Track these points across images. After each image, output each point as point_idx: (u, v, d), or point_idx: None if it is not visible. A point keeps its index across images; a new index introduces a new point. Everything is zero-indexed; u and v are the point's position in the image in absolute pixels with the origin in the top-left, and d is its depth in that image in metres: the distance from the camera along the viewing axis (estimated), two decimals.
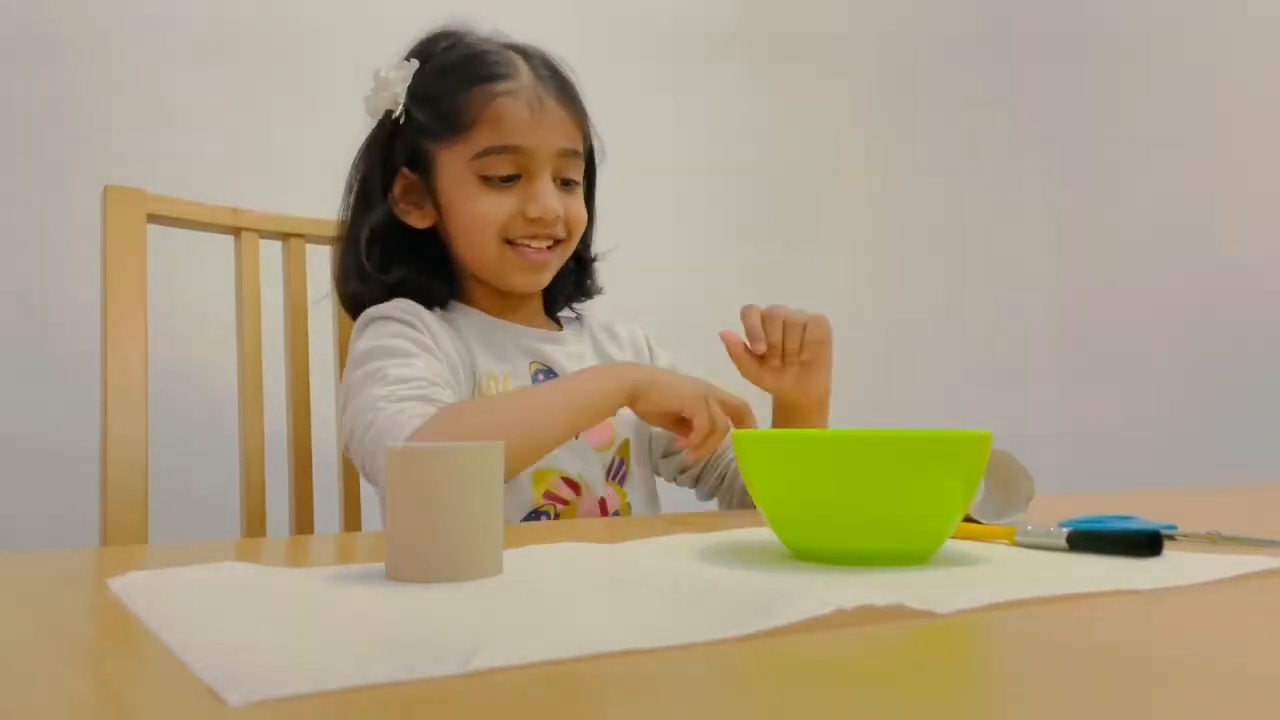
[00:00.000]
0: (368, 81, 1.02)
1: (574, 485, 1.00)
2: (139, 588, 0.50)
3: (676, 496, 1.15)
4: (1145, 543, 0.59)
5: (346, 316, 1.13)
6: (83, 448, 1.12)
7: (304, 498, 1.09)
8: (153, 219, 1.05)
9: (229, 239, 1.11)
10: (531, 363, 1.04)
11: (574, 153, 1.01)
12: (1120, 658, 0.38)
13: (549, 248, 1.01)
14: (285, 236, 1.13)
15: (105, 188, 1.03)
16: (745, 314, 0.98)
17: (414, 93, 0.99)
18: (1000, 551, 0.63)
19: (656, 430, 1.09)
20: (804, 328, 0.97)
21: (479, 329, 1.03)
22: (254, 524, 1.05)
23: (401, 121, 1.00)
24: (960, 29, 2.22)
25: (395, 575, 0.52)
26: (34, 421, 1.34)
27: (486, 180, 0.98)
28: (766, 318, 0.97)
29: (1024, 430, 2.14)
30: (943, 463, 0.56)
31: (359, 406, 0.90)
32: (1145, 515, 0.74)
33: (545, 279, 1.04)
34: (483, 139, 0.97)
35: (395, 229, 1.02)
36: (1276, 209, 1.91)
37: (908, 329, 2.12)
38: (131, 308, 1.01)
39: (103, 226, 1.02)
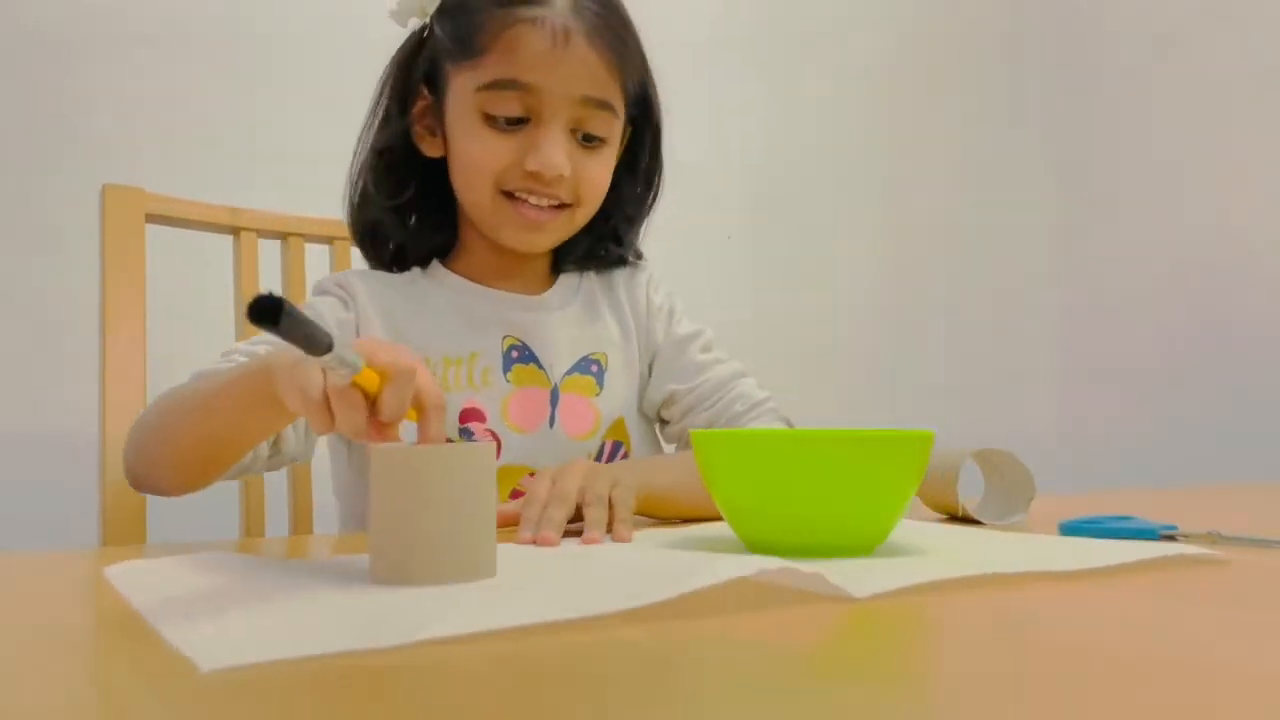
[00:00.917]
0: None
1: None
2: (132, 573, 0.53)
3: None
4: None
5: None
6: (82, 447, 1.12)
7: (303, 498, 1.09)
8: (151, 218, 1.05)
9: (228, 238, 1.11)
10: (505, 336, 0.94)
11: (601, 104, 0.87)
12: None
13: (554, 207, 0.89)
14: (284, 236, 1.13)
15: (104, 187, 1.03)
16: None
17: (443, 2, 0.89)
18: (948, 541, 0.65)
19: (650, 398, 0.99)
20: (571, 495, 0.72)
21: (454, 300, 0.95)
22: (253, 524, 1.05)
23: (426, 34, 0.90)
24: (961, 29, 2.22)
25: (378, 578, 0.50)
26: (33, 421, 1.34)
27: (490, 119, 0.86)
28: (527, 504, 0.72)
29: (1024, 431, 2.14)
30: (881, 461, 0.58)
31: None
32: (1145, 515, 0.74)
33: (544, 241, 0.92)
34: (491, 69, 0.85)
35: (410, 154, 0.92)
36: (1277, 209, 1.91)
37: (908, 329, 2.12)
38: (130, 307, 1.01)
39: (101, 226, 1.02)
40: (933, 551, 0.60)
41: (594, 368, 0.96)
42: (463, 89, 0.87)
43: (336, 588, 0.49)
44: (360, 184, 0.94)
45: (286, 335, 0.44)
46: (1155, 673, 0.35)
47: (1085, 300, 2.24)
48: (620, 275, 1.03)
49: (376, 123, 0.94)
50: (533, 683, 0.34)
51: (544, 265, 1.00)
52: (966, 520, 0.78)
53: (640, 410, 0.99)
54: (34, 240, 1.36)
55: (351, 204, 0.96)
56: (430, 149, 0.92)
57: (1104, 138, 2.20)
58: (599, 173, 0.91)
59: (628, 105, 0.92)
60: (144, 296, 1.02)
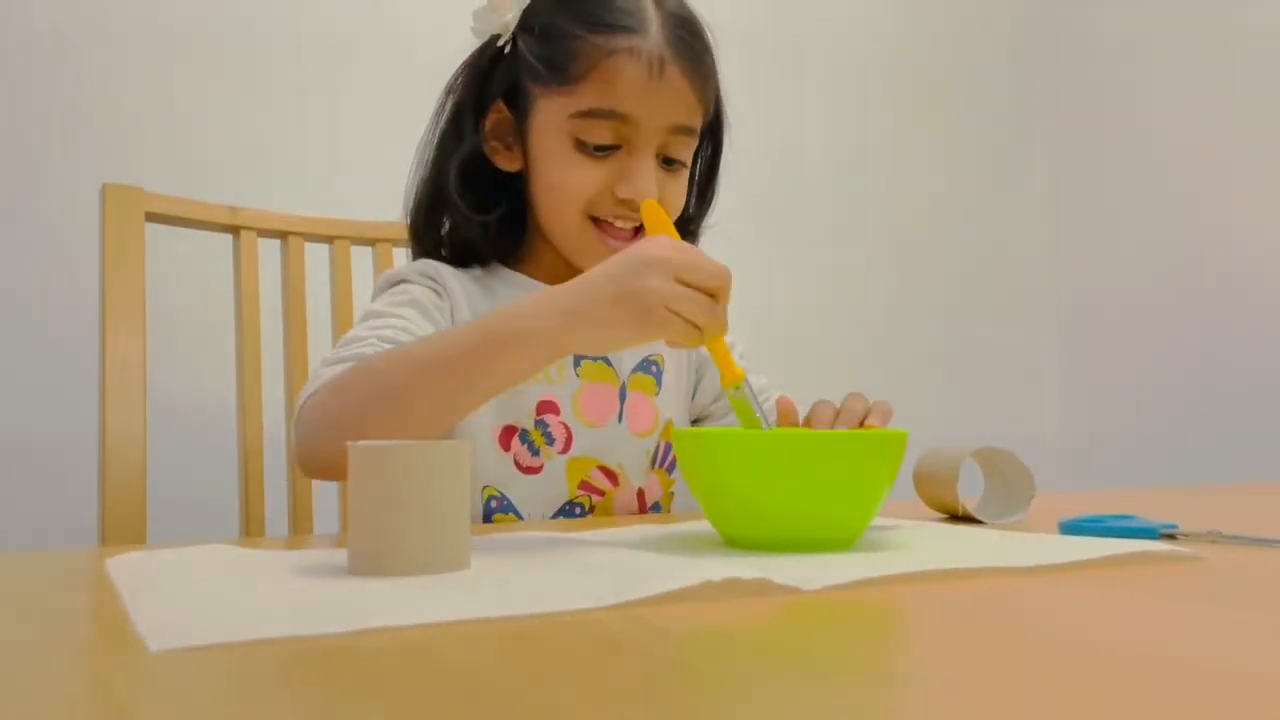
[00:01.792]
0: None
1: (612, 475, 0.93)
2: (128, 565, 0.56)
3: None
4: None
5: (346, 315, 1.13)
6: (81, 447, 1.12)
7: (302, 498, 1.09)
8: (151, 217, 1.05)
9: (227, 238, 1.11)
10: None
11: (688, 130, 0.89)
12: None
13: (635, 230, 0.89)
14: (284, 235, 1.13)
15: (104, 186, 1.03)
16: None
17: (526, 20, 0.88)
18: (927, 539, 0.66)
19: (700, 400, 1.03)
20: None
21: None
22: (253, 523, 1.05)
23: (506, 50, 0.89)
24: (962, 29, 2.22)
25: (355, 570, 0.53)
26: (32, 421, 1.34)
27: (581, 145, 0.86)
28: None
29: (1025, 430, 2.14)
30: (855, 459, 0.60)
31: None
32: (1145, 514, 0.74)
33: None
34: (588, 98, 0.85)
35: (481, 166, 0.92)
36: (1277, 209, 1.91)
37: (908, 329, 2.12)
38: (130, 306, 1.01)
39: (101, 225, 1.02)
40: (907, 548, 0.61)
41: (653, 369, 0.99)
42: (553, 113, 0.87)
43: (311, 578, 0.51)
44: (433, 191, 0.93)
45: None
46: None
47: (1086, 300, 2.24)
48: None
49: (443, 129, 0.93)
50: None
51: None
52: (967, 519, 0.78)
53: (682, 418, 1.02)
54: (34, 240, 1.36)
55: (420, 206, 0.95)
56: (506, 163, 0.93)
57: (1104, 137, 2.20)
58: (678, 195, 0.92)
59: (704, 126, 0.94)
60: (144, 296, 1.02)
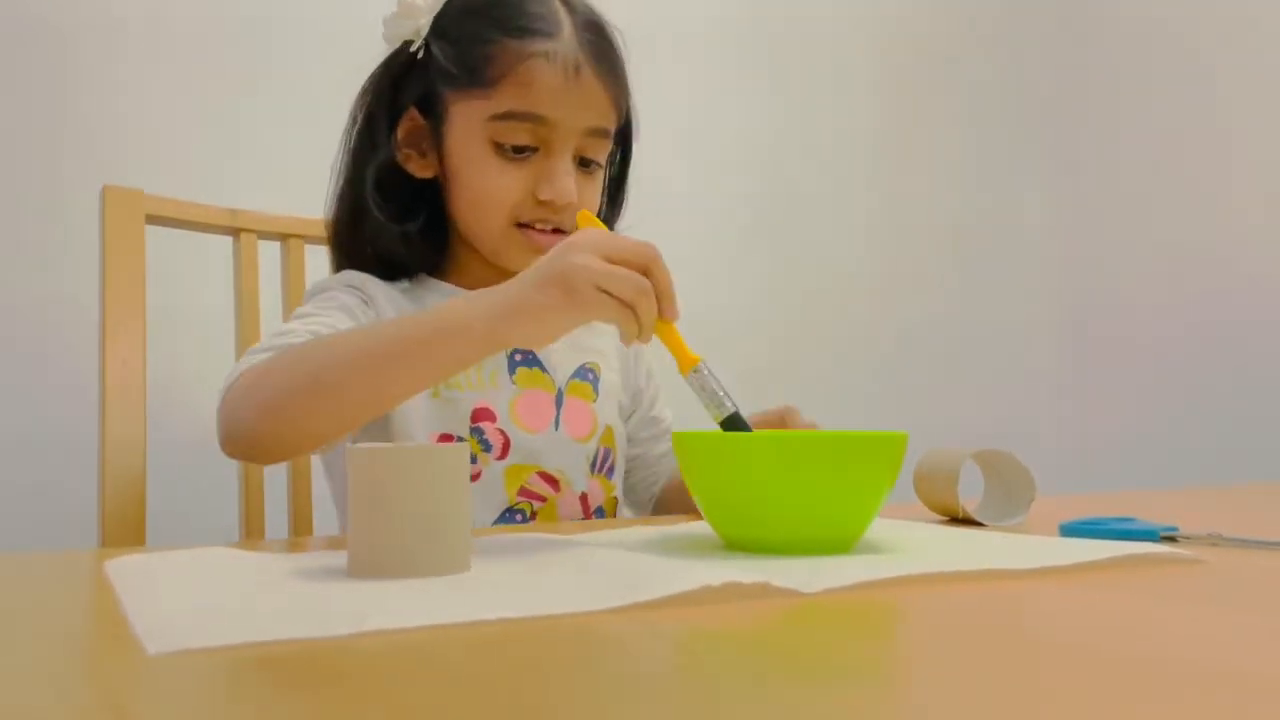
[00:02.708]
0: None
1: (553, 481, 0.93)
2: (127, 567, 0.56)
3: None
4: None
5: None
6: (81, 448, 1.12)
7: (302, 499, 1.09)
8: (151, 220, 1.05)
9: (228, 240, 1.11)
10: None
11: (603, 132, 0.90)
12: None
13: (554, 230, 0.91)
14: (284, 237, 1.13)
15: (104, 188, 1.03)
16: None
17: (438, 26, 0.89)
18: (928, 541, 0.66)
19: (634, 418, 1.05)
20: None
21: None
22: (253, 525, 1.05)
23: (419, 56, 0.90)
24: (962, 28, 2.22)
25: (355, 573, 0.53)
26: (32, 422, 1.34)
27: (500, 148, 0.88)
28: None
29: (1025, 431, 2.14)
30: (854, 461, 0.60)
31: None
32: (1145, 516, 0.74)
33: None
34: (506, 101, 0.86)
35: (395, 174, 0.92)
36: (1277, 209, 1.91)
37: (908, 330, 2.12)
38: (130, 309, 1.01)
39: (101, 227, 1.02)
40: (906, 550, 0.61)
41: (590, 375, 1.00)
42: (470, 117, 0.88)
43: (310, 580, 0.51)
44: (350, 201, 0.93)
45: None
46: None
47: (1086, 300, 2.24)
48: None
49: (358, 138, 0.94)
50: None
51: None
52: (967, 521, 0.78)
53: (621, 426, 1.03)
54: (34, 240, 1.36)
55: (340, 221, 0.95)
56: (420, 170, 0.93)
57: (1104, 137, 2.20)
58: (595, 198, 0.94)
59: (618, 128, 0.95)
60: (144, 297, 1.02)
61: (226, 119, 1.48)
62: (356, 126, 0.94)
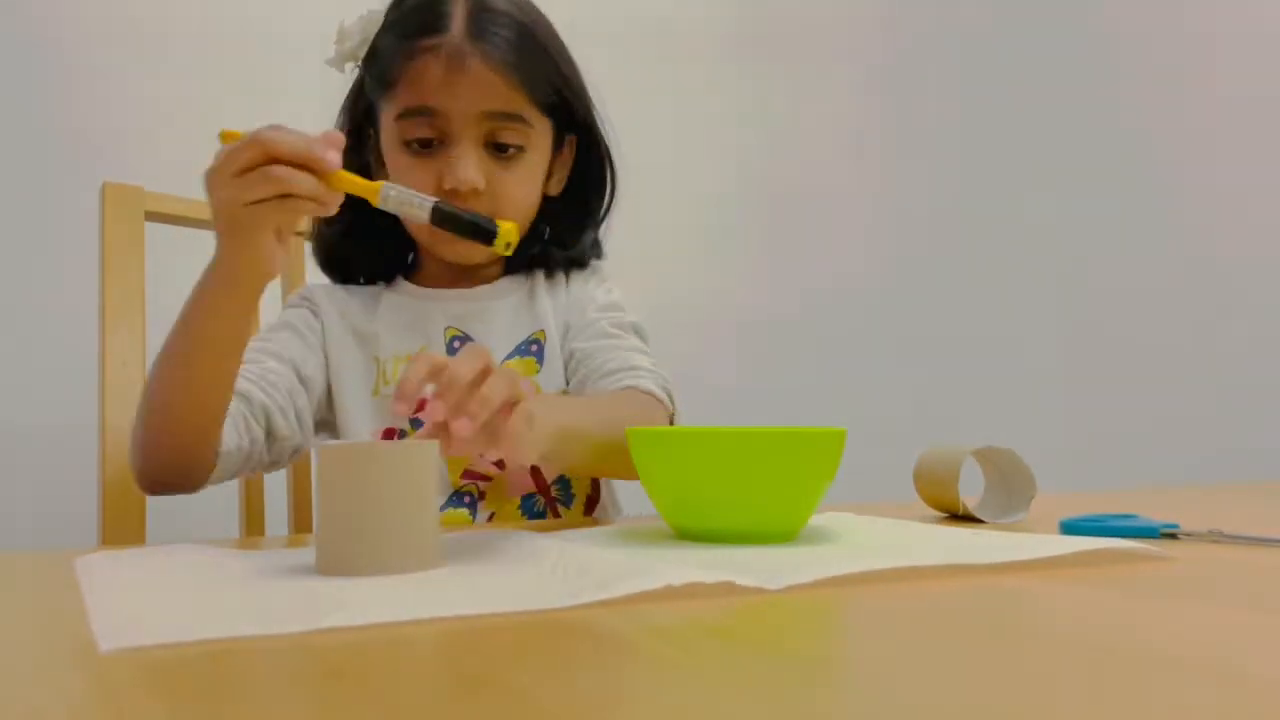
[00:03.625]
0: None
1: (497, 460, 0.93)
2: (94, 565, 0.56)
3: None
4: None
5: None
6: (81, 447, 1.12)
7: (303, 497, 1.09)
8: (151, 217, 1.05)
9: None
10: (447, 328, 0.98)
11: (509, 116, 0.91)
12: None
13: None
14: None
15: (103, 186, 1.03)
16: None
17: (370, 47, 0.94)
18: (863, 531, 0.68)
19: (575, 380, 1.00)
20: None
21: (406, 304, 1.00)
22: (253, 523, 1.05)
23: (361, 77, 0.97)
24: (961, 28, 2.22)
25: (324, 571, 0.53)
26: (32, 421, 1.34)
27: (407, 145, 0.92)
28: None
29: (1025, 430, 2.14)
30: (796, 456, 0.64)
31: None
32: (1146, 514, 0.74)
33: (476, 254, 0.96)
34: (402, 99, 0.91)
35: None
36: (1277, 209, 1.91)
37: (908, 328, 2.12)
38: (129, 306, 1.01)
39: (101, 225, 1.02)
40: (848, 540, 0.64)
41: (534, 348, 1.00)
42: (386, 122, 0.94)
43: (275, 578, 0.51)
44: (316, 219, 1.00)
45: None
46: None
47: (1086, 300, 2.24)
48: (574, 274, 1.06)
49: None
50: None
51: (495, 273, 1.04)
52: (967, 519, 0.78)
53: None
54: (34, 240, 1.36)
55: (311, 234, 1.03)
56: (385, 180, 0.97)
57: (1106, 137, 2.20)
58: (515, 186, 0.94)
59: (549, 112, 0.95)
60: (144, 295, 1.02)
61: (227, 118, 1.48)
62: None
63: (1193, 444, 1.98)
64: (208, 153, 0.71)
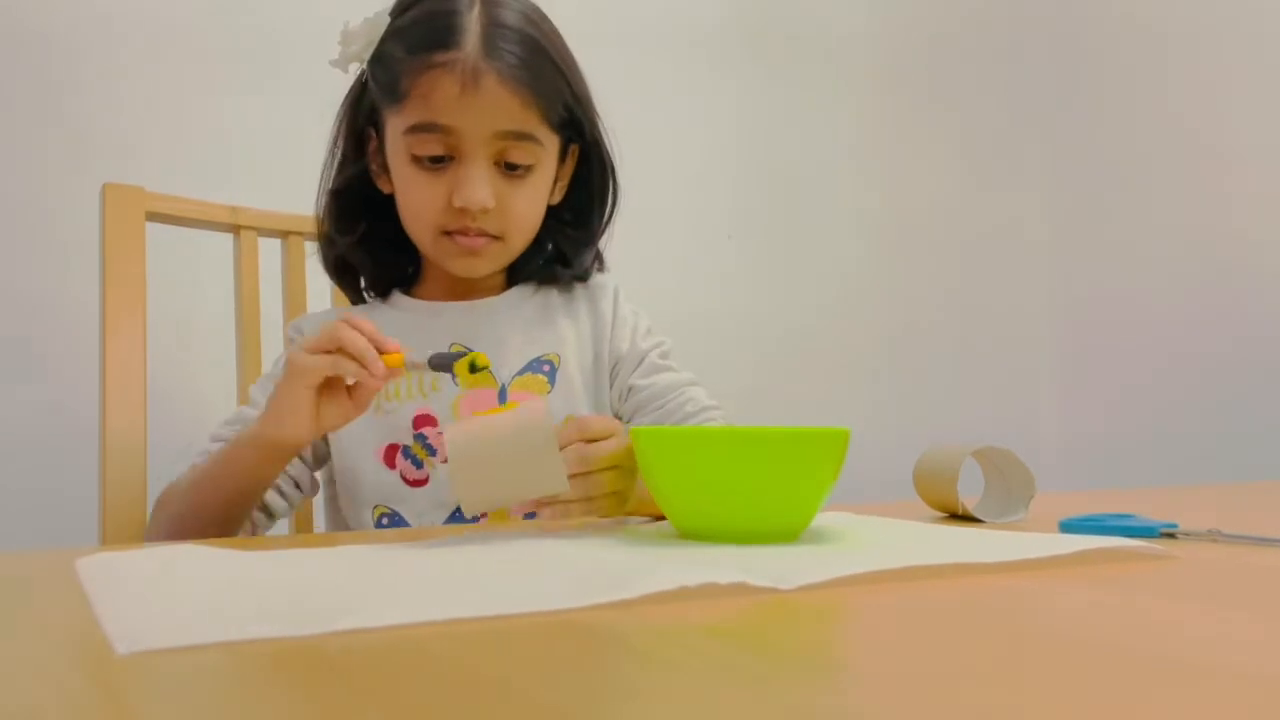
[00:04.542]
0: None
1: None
2: (95, 565, 0.55)
3: None
4: None
5: None
6: (82, 447, 1.12)
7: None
8: (152, 217, 1.05)
9: (228, 237, 1.11)
10: (452, 343, 0.99)
11: (521, 135, 0.91)
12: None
13: (479, 234, 0.94)
14: (285, 235, 1.13)
15: (104, 186, 1.03)
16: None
17: (376, 50, 0.93)
18: (869, 526, 0.68)
19: (612, 398, 1.02)
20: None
21: (408, 319, 1.00)
22: None
23: (365, 79, 0.95)
24: (961, 28, 2.22)
25: (470, 509, 0.67)
26: (33, 420, 1.34)
27: (417, 160, 0.91)
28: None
29: (1025, 429, 2.14)
30: (800, 456, 0.64)
31: None
32: (1145, 514, 0.74)
33: (482, 267, 0.97)
34: (413, 114, 0.90)
35: (364, 191, 0.99)
36: (1277, 209, 1.91)
37: (908, 329, 2.12)
38: (130, 306, 1.01)
39: (101, 225, 1.02)
40: (850, 540, 0.64)
41: (545, 367, 1.00)
42: (394, 133, 0.93)
43: (282, 579, 0.51)
44: (324, 223, 1.01)
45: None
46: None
47: (1085, 299, 2.24)
48: (581, 288, 1.06)
49: (335, 164, 1.00)
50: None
51: (498, 284, 1.04)
52: (967, 519, 0.78)
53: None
54: (34, 240, 1.36)
55: (319, 241, 1.03)
56: (385, 186, 0.98)
57: (1104, 137, 2.20)
58: (523, 204, 0.94)
59: (558, 129, 0.95)
60: (144, 296, 1.02)
61: (227, 117, 1.48)
62: (339, 146, 1.00)
63: (1193, 444, 1.98)
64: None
